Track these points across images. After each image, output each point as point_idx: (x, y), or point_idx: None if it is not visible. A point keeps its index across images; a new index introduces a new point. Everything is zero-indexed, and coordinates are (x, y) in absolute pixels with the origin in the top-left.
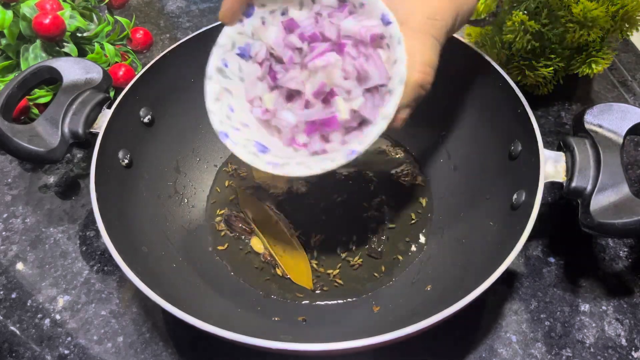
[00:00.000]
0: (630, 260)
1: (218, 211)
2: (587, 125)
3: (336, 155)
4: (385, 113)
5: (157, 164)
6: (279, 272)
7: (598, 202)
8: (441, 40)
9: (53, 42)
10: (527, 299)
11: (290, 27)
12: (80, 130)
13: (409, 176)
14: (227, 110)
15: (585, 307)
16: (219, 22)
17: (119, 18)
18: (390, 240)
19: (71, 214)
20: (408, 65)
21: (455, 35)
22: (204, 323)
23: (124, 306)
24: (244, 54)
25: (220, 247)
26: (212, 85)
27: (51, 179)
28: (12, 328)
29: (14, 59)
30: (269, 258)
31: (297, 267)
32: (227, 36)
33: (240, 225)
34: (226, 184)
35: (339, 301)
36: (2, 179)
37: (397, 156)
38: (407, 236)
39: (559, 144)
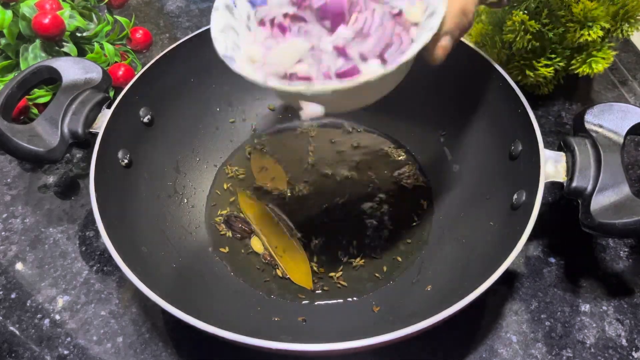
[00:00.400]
0: (630, 260)
1: (218, 212)
2: (587, 125)
3: (367, 68)
4: (431, 25)
5: (157, 164)
6: (279, 272)
7: (598, 202)
8: None
9: (52, 42)
10: (528, 299)
11: None
12: (80, 130)
13: (411, 178)
14: (232, 44)
15: (585, 307)
16: None
17: (118, 18)
18: (391, 241)
19: (71, 214)
20: None
21: None
22: (204, 323)
23: (124, 306)
24: (254, 2)
25: (220, 247)
26: (219, 17)
27: (51, 179)
28: (12, 328)
29: (13, 58)
30: (269, 258)
31: (297, 267)
32: None
33: (240, 225)
34: (225, 186)
35: (339, 301)
36: (2, 179)
37: (399, 158)
38: (408, 237)
39: (559, 144)
